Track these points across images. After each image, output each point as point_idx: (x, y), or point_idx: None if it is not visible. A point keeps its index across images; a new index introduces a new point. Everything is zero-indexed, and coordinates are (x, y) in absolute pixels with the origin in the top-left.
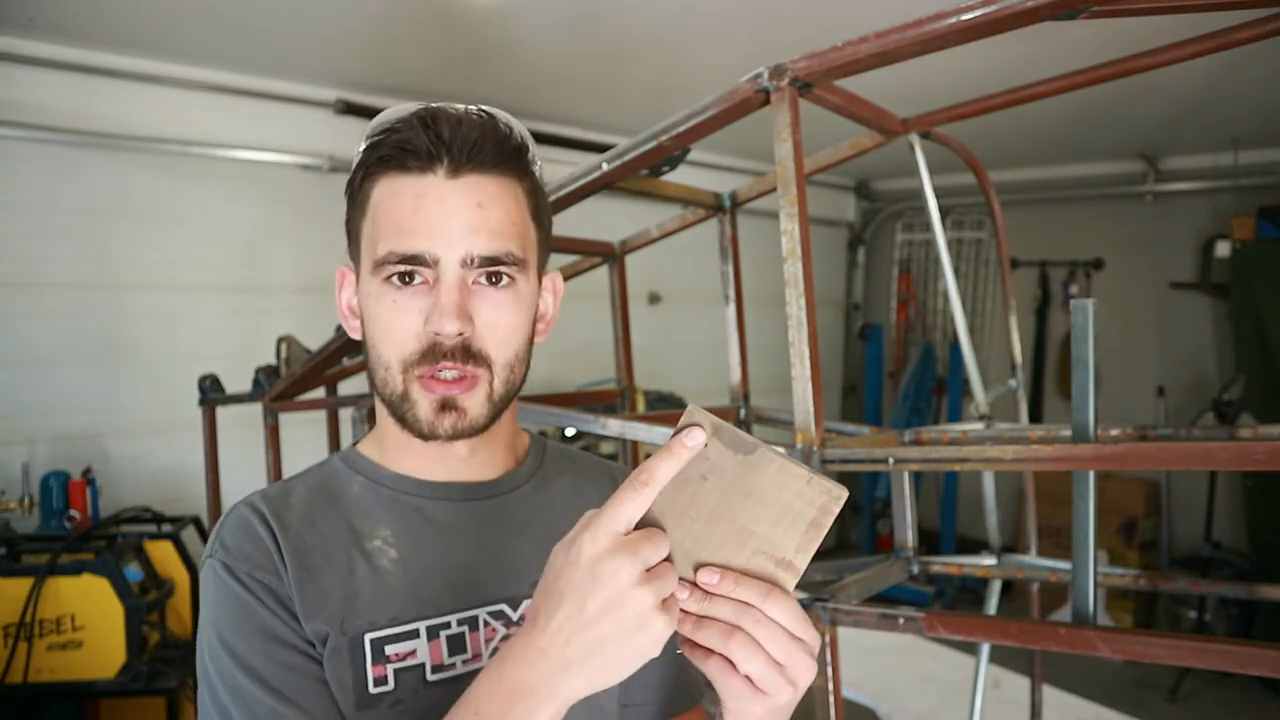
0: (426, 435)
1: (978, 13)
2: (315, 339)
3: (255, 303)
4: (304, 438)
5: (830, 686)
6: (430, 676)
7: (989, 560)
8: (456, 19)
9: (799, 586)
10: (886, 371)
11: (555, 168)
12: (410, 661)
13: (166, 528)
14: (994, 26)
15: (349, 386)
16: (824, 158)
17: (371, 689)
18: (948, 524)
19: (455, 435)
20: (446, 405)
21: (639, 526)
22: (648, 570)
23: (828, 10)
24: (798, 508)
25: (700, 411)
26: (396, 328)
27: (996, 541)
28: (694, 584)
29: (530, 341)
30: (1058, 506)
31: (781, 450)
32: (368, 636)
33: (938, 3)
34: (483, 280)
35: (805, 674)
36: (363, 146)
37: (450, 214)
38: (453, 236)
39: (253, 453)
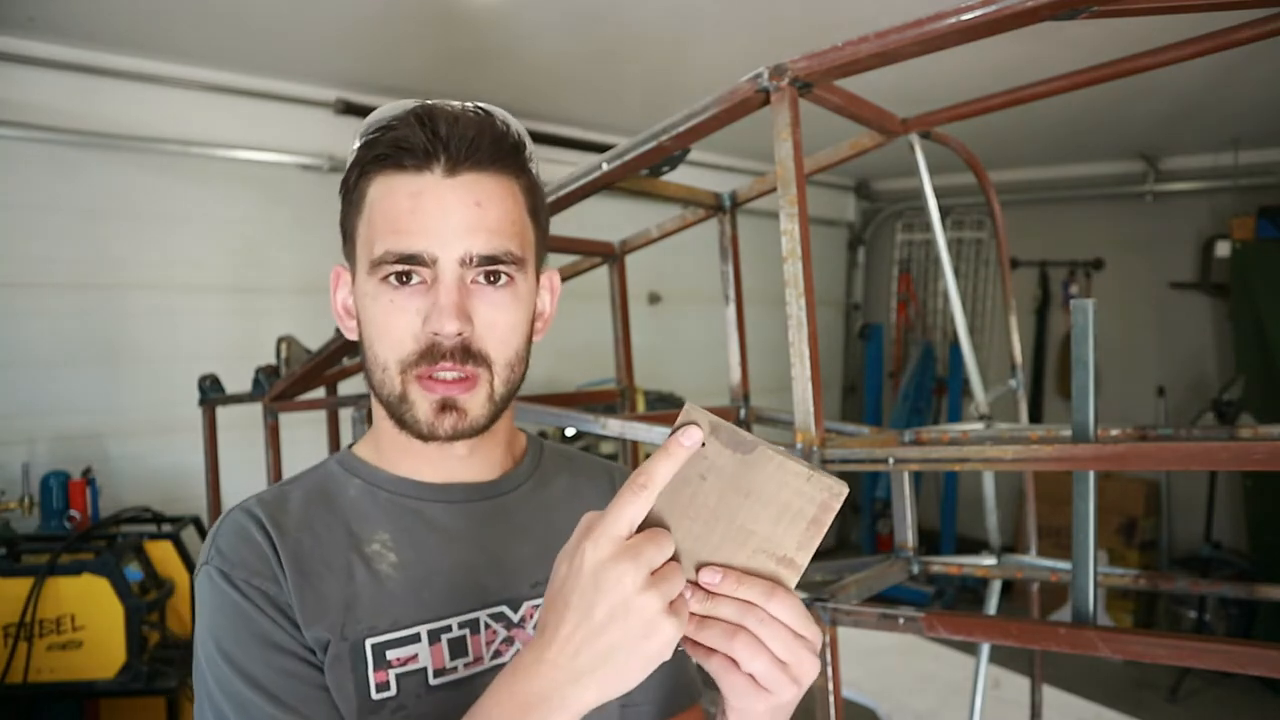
0: (426, 436)
1: (978, 13)
2: (315, 339)
3: (255, 303)
4: (304, 438)
5: (830, 686)
6: (432, 681)
7: (989, 560)
8: (456, 19)
9: (799, 586)
10: (886, 371)
11: (555, 168)
12: (412, 666)
13: (166, 528)
14: (994, 26)
15: (349, 386)
16: (824, 158)
17: (374, 695)
18: (948, 524)
19: (455, 436)
20: (446, 406)
21: (641, 528)
22: (653, 573)
23: (828, 10)
24: (798, 505)
25: (697, 410)
26: (394, 328)
27: (996, 541)
28: (695, 584)
29: (529, 340)
30: (1058, 506)
31: (780, 448)
32: (369, 642)
33: (938, 3)
34: (481, 279)
35: (809, 671)
36: (357, 144)
37: (448, 213)
38: (451, 235)
39: (253, 453)
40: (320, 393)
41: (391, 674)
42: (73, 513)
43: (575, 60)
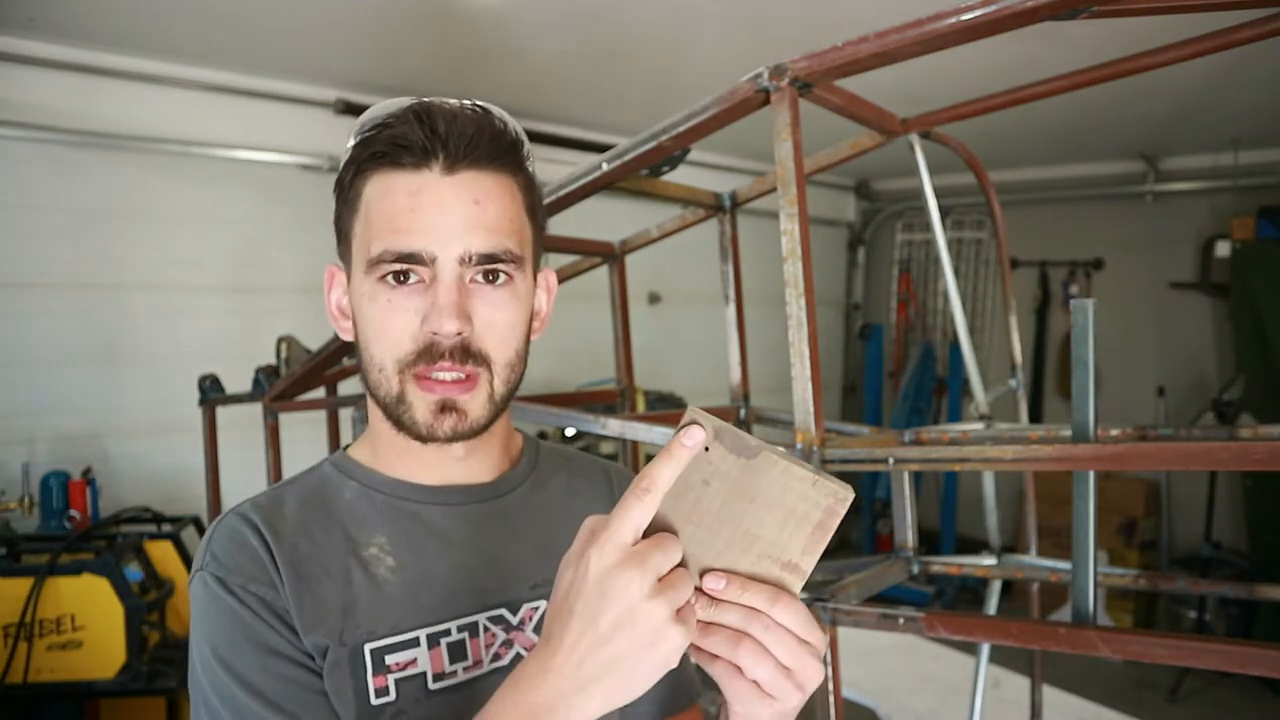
0: (425, 437)
1: (978, 13)
2: (315, 339)
3: (255, 303)
4: (304, 438)
5: (830, 686)
6: (432, 685)
7: (989, 560)
8: (456, 19)
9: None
10: (886, 371)
11: (555, 168)
12: (411, 671)
13: (166, 528)
14: (994, 26)
15: (349, 386)
16: (824, 158)
17: (373, 700)
18: (948, 524)
19: (455, 437)
20: (446, 407)
21: (645, 535)
22: (660, 579)
23: (828, 10)
24: (803, 510)
25: (700, 413)
26: (391, 328)
27: (996, 541)
28: (699, 590)
29: (527, 340)
30: (1058, 506)
31: (784, 451)
32: (367, 647)
33: (938, 3)
34: (480, 279)
35: (813, 677)
36: (353, 142)
37: (447, 211)
38: (450, 234)
39: (253, 453)
40: (320, 393)
41: (391, 679)
42: (73, 513)
43: (575, 60)
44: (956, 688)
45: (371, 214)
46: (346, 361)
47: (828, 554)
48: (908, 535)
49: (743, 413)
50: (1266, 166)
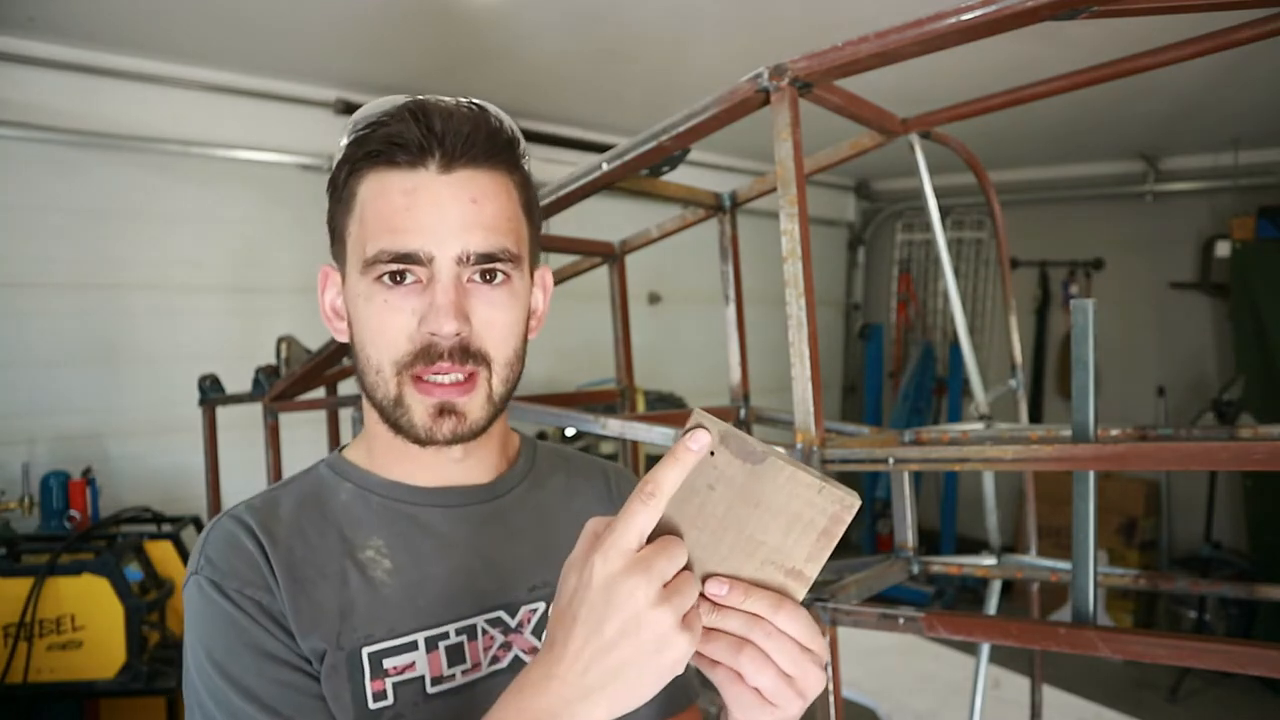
0: (424, 441)
1: (978, 13)
2: (315, 339)
3: (255, 303)
4: (304, 438)
5: (830, 686)
6: (430, 689)
7: (989, 560)
8: (456, 19)
9: None
10: (886, 371)
11: (555, 168)
12: (409, 674)
13: (166, 528)
14: (994, 26)
15: (349, 386)
16: (824, 158)
17: (371, 704)
18: (948, 524)
19: (455, 440)
20: (445, 410)
21: (649, 538)
22: (665, 585)
23: (828, 10)
24: (808, 517)
25: (706, 416)
26: (388, 328)
27: (996, 541)
28: (702, 595)
29: (525, 339)
30: (1058, 506)
31: (791, 457)
32: (365, 650)
33: (938, 3)
34: (477, 278)
35: (814, 686)
36: (346, 140)
37: (444, 210)
38: (447, 233)
39: (253, 453)
40: (320, 393)
41: (389, 683)
42: (73, 513)
43: (575, 60)
44: (956, 688)
45: (367, 213)
46: (346, 361)
47: (829, 555)
48: (908, 535)
49: (743, 413)
50: (1266, 166)
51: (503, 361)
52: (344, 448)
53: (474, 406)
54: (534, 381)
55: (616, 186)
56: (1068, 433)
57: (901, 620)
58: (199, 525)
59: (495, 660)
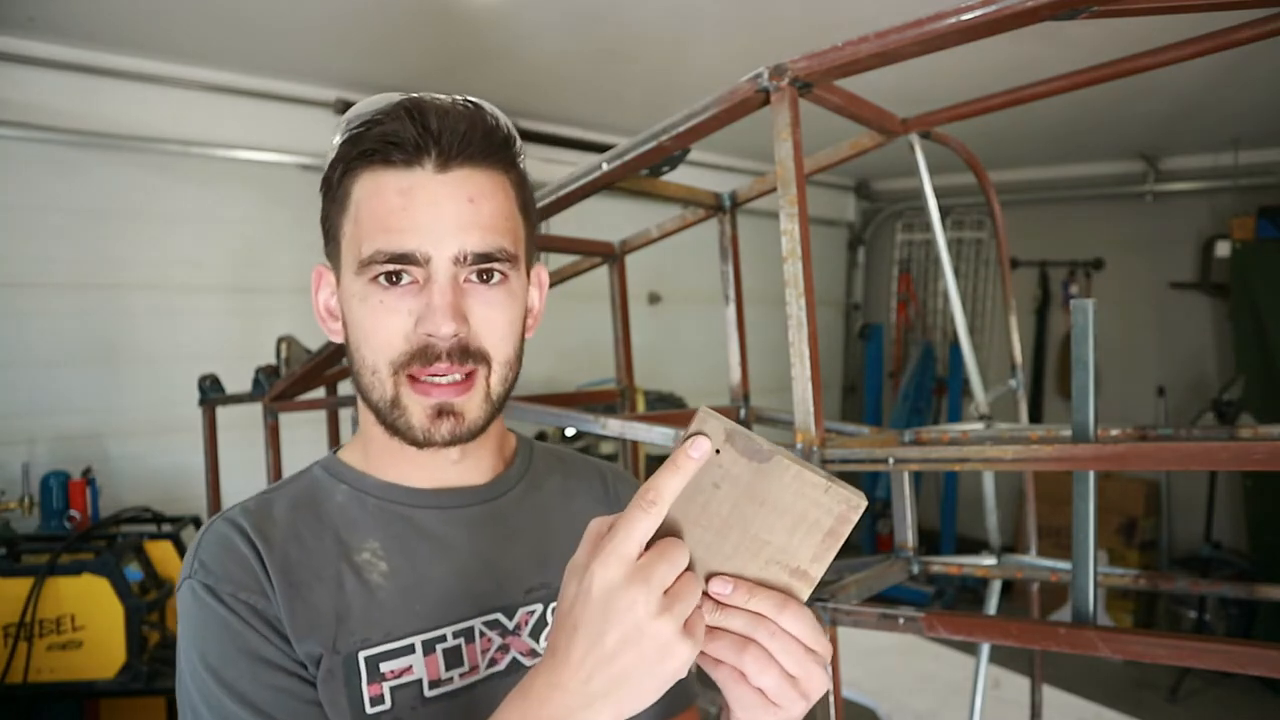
0: (422, 442)
1: (978, 13)
2: (315, 339)
3: (255, 303)
4: (304, 438)
5: (830, 686)
6: (428, 693)
7: (989, 560)
8: (456, 19)
9: None
10: (886, 371)
11: (555, 168)
12: (407, 678)
13: (166, 528)
14: (994, 26)
15: (349, 387)
16: (824, 158)
17: (368, 709)
18: (948, 524)
19: (453, 441)
20: (443, 411)
21: (651, 539)
22: (666, 592)
23: (828, 10)
24: (814, 516)
25: (712, 416)
26: (384, 329)
27: (996, 541)
28: (705, 594)
29: (523, 339)
30: (1058, 506)
31: (798, 457)
32: (362, 655)
33: (938, 3)
34: (474, 278)
35: (818, 687)
36: (340, 139)
37: (441, 210)
38: (444, 233)
39: (253, 453)
40: (320, 393)
41: (386, 687)
42: (73, 513)
43: (575, 60)
44: (956, 688)
45: (362, 213)
46: (345, 362)
47: None
48: (908, 535)
49: (743, 413)
50: (1266, 166)
51: (501, 361)
52: (339, 449)
53: (472, 406)
54: (534, 381)
55: (616, 186)
56: (1068, 433)
57: (901, 620)
58: (199, 525)
59: (493, 663)
